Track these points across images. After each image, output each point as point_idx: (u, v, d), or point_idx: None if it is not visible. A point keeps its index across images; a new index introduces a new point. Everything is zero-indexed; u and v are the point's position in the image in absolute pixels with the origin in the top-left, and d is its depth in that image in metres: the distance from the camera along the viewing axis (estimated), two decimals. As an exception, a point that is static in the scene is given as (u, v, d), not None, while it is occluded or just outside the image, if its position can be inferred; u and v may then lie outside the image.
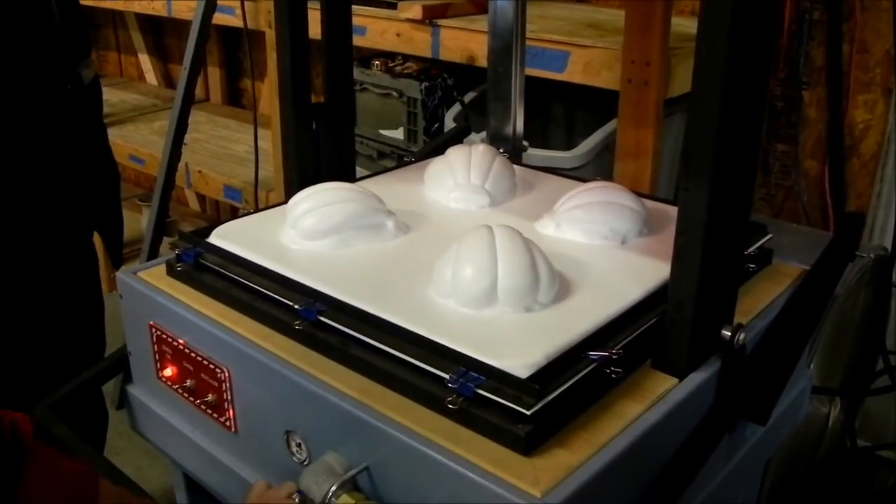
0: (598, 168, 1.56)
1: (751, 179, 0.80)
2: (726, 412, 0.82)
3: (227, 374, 0.87)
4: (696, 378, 0.79)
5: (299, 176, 1.12)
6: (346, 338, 0.80)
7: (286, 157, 1.13)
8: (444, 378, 0.71)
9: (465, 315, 0.79)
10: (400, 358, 0.76)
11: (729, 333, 0.80)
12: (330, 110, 1.14)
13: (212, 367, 0.88)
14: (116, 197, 1.66)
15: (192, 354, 0.90)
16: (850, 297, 1.40)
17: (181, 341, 0.91)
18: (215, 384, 0.89)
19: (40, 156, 1.34)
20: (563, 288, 0.84)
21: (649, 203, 1.04)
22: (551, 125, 1.95)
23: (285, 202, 1.05)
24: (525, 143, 1.40)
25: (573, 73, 1.51)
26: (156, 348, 0.96)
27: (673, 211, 1.09)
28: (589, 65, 1.48)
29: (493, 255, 0.80)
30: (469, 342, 0.74)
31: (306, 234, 0.94)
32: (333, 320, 0.81)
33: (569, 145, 1.89)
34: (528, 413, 0.67)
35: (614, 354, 0.73)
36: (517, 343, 0.75)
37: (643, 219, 0.98)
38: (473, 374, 0.70)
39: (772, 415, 0.85)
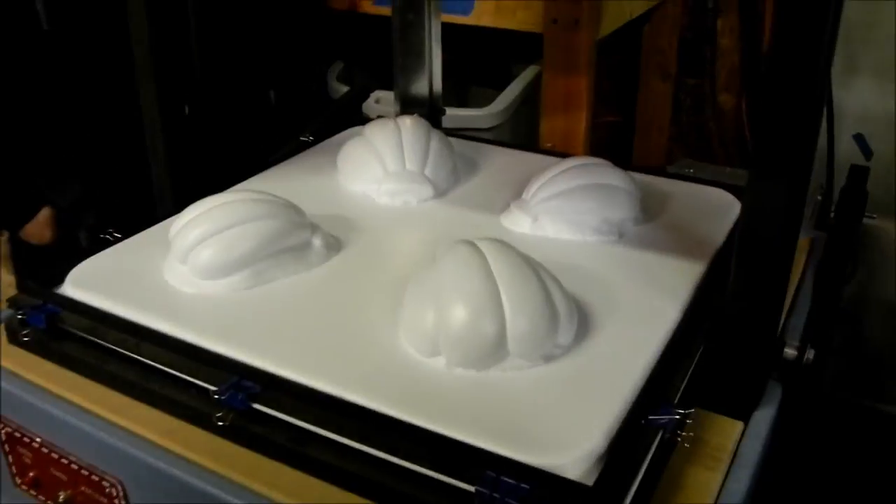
0: (518, 126, 1.34)
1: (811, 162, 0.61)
2: (789, 451, 0.65)
3: (120, 489, 0.61)
4: (762, 417, 0.61)
5: (173, 181, 0.84)
6: (299, 433, 0.56)
7: (154, 158, 0.85)
8: (468, 490, 0.49)
9: (466, 380, 0.56)
10: (394, 464, 0.52)
11: (794, 352, 0.62)
12: (206, 89, 0.86)
13: (95, 478, 0.62)
14: None
15: (64, 461, 0.64)
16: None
17: (42, 442, 0.64)
18: (104, 500, 0.63)
19: None
20: (578, 317, 0.62)
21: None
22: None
23: (159, 219, 0.79)
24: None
25: (481, 15, 1.27)
26: (7, 448, 0.69)
27: (656, 182, 0.91)
28: (502, 4, 1.25)
29: (494, 287, 0.57)
30: (489, 428, 0.51)
31: (205, 272, 0.68)
32: (274, 407, 0.56)
33: (459, 100, 1.66)
34: (605, 538, 0.46)
35: (688, 418, 0.53)
36: (557, 419, 0.53)
37: (639, 201, 0.78)
38: (509, 480, 0.48)
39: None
